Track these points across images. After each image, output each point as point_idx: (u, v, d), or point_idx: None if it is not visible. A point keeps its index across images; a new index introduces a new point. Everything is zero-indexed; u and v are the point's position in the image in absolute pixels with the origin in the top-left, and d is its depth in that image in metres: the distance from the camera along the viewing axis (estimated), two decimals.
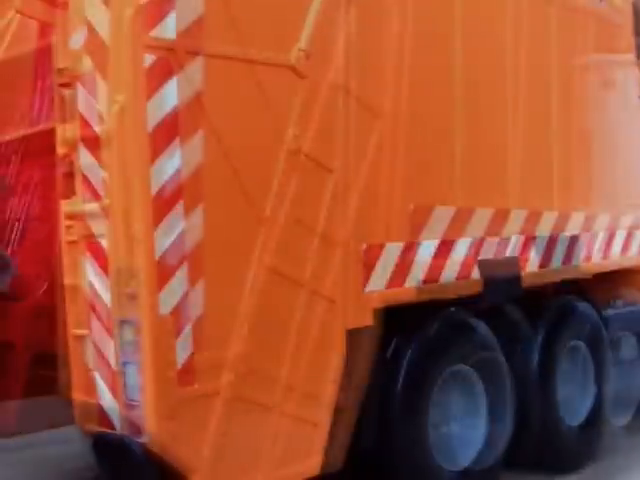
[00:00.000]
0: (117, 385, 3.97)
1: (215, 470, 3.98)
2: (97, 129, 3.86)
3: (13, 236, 4.97)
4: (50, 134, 4.22)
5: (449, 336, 5.12)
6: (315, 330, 4.36)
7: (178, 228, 3.78)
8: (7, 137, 4.94)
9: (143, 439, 3.83)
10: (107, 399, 4.00)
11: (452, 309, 5.17)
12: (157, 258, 3.74)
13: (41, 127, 4.64)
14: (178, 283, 3.82)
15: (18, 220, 5.00)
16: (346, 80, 4.40)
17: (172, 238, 3.77)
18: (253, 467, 4.17)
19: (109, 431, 4.01)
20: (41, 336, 4.62)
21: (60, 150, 4.10)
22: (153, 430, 3.80)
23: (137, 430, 3.85)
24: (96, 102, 3.84)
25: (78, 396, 4.18)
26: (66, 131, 4.05)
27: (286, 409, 4.26)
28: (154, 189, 3.69)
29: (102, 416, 4.05)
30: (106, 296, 3.98)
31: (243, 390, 4.10)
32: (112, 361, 4.00)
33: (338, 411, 4.48)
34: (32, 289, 4.73)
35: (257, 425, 4.20)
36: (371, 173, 4.58)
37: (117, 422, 3.97)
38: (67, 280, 4.17)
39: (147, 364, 3.80)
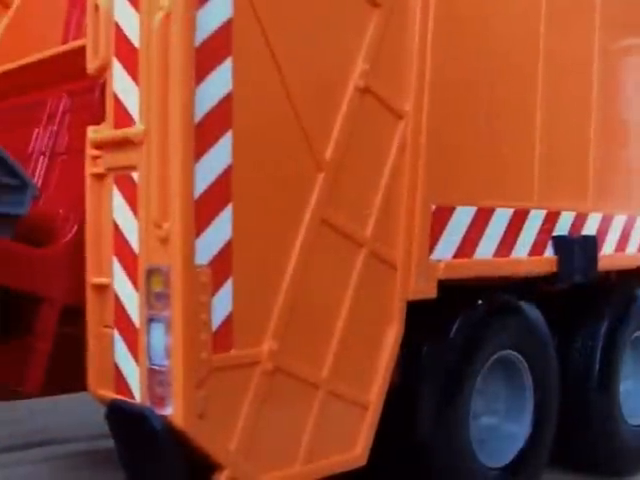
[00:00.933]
0: (139, 346, 3.62)
1: (248, 458, 3.69)
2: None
3: (38, 171, 4.48)
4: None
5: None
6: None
7: None
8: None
9: (166, 412, 3.50)
10: (126, 361, 3.71)
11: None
12: (198, 190, 3.50)
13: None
14: (219, 226, 3.54)
15: (44, 154, 4.55)
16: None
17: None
18: (291, 455, 3.89)
19: (127, 399, 3.70)
20: (70, 287, 4.10)
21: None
22: (178, 402, 3.44)
23: (160, 401, 3.51)
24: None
25: (92, 356, 3.89)
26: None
27: (333, 389, 4.07)
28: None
29: (119, 381, 3.76)
30: (133, 239, 3.68)
31: (287, 362, 3.85)
32: (135, 316, 3.68)
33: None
34: (60, 232, 4.23)
35: (300, 404, 3.95)
36: None
37: (137, 390, 3.66)
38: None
39: (176, 322, 3.44)
